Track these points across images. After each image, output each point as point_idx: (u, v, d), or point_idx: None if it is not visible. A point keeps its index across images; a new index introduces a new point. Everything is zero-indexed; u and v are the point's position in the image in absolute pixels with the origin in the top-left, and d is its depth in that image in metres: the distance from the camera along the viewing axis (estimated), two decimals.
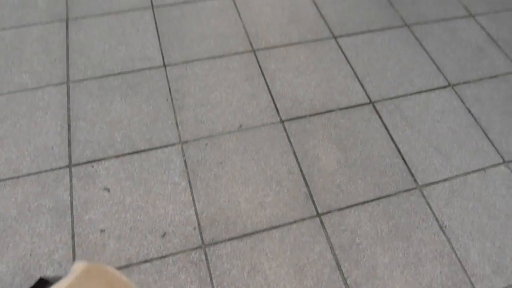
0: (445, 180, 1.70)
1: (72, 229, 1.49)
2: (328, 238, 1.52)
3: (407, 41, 2.18)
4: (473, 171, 1.74)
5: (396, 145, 1.77)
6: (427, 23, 2.29)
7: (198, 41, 2.05)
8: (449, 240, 1.56)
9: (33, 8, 2.17)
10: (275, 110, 1.83)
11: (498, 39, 2.26)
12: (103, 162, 1.64)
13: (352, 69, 2.02)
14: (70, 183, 1.59)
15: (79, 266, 0.81)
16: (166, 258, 1.44)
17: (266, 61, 2.00)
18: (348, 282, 1.44)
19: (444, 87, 2.01)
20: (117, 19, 2.13)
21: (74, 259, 1.43)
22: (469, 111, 1.93)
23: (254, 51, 2.04)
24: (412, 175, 1.70)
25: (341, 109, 1.87)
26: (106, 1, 2.22)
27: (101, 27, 2.09)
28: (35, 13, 2.15)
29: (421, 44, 2.17)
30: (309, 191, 1.62)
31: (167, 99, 1.83)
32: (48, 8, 2.17)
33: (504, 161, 1.78)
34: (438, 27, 2.27)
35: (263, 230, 1.52)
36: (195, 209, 1.56)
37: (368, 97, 1.92)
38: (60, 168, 1.62)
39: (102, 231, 1.50)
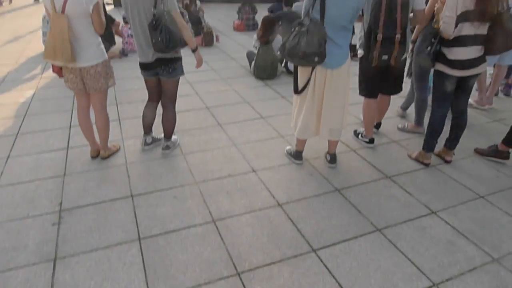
0: None
1: None
2: None
3: (382, 245, 2.31)
4: None
5: None
6: (396, 225, 2.48)
7: (183, 270, 2.10)
8: None
9: (23, 250, 2.24)
10: None
11: (463, 231, 2.42)
12: None
13: (337, 281, 2.05)
14: None
15: None
16: None
17: (251, 284, 2.02)
18: None
19: (430, 287, 2.02)
20: (105, 254, 2.21)
21: None
22: None
23: (238, 274, 2.08)
24: None
25: None
26: (95, 237, 2.34)
27: (88, 264, 2.14)
28: (24, 255, 2.21)
29: (395, 246, 2.29)
30: None
31: None
32: (38, 249, 2.25)
33: None
34: (407, 227, 2.45)
35: None
36: None
37: None
38: None
39: None
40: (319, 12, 2.53)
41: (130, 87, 4.90)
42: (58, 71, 3.00)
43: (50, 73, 5.34)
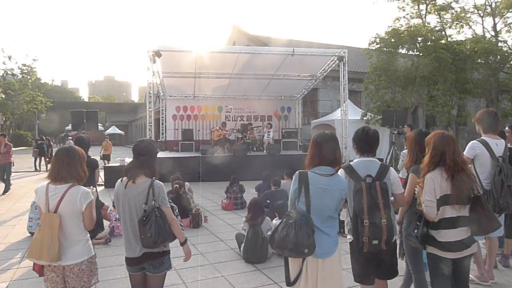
0: None
1: None
2: None
3: None
4: None
5: None
6: None
7: None
8: None
9: None
10: None
11: None
12: None
13: None
14: None
15: None
16: None
17: None
18: None
19: None
20: None
21: None
22: None
23: None
24: None
25: None
26: None
27: None
28: None
29: None
30: None
31: None
32: None
33: None
34: None
35: None
36: None
37: None
38: None
39: None
40: (305, 204, 2.68)
41: (112, 276, 4.72)
42: (39, 269, 2.94)
43: (28, 263, 5.18)
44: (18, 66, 39.81)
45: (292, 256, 2.70)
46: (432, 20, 22.76)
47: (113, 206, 6.62)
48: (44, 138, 20.13)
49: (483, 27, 21.29)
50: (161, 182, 2.94)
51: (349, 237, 3.19)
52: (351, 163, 3.18)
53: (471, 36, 20.41)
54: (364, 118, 17.07)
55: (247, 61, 14.43)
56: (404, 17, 19.94)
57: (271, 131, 16.86)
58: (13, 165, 12.14)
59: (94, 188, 3.05)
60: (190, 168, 12.42)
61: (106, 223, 6.61)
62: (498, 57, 19.12)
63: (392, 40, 17.27)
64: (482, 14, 20.96)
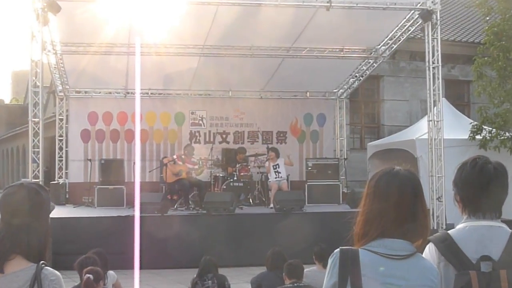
0: None
1: None
2: None
3: None
4: None
5: None
6: None
7: None
8: None
9: None
10: None
11: None
12: None
13: None
14: None
15: None
16: None
17: None
18: None
19: None
20: None
21: None
22: None
23: None
24: None
25: None
26: None
27: None
28: None
29: None
30: None
31: None
32: None
33: None
34: None
35: None
36: None
37: None
38: None
39: None
40: None
41: None
42: None
43: None
44: None
45: None
46: None
47: None
48: None
49: None
50: (56, 272, 2.97)
51: None
52: (449, 231, 3.27)
53: None
54: (477, 136, 17.09)
55: (236, 21, 14.42)
56: None
57: (279, 164, 16.72)
58: None
59: None
60: (118, 240, 12.32)
61: None
62: None
63: None
64: None
